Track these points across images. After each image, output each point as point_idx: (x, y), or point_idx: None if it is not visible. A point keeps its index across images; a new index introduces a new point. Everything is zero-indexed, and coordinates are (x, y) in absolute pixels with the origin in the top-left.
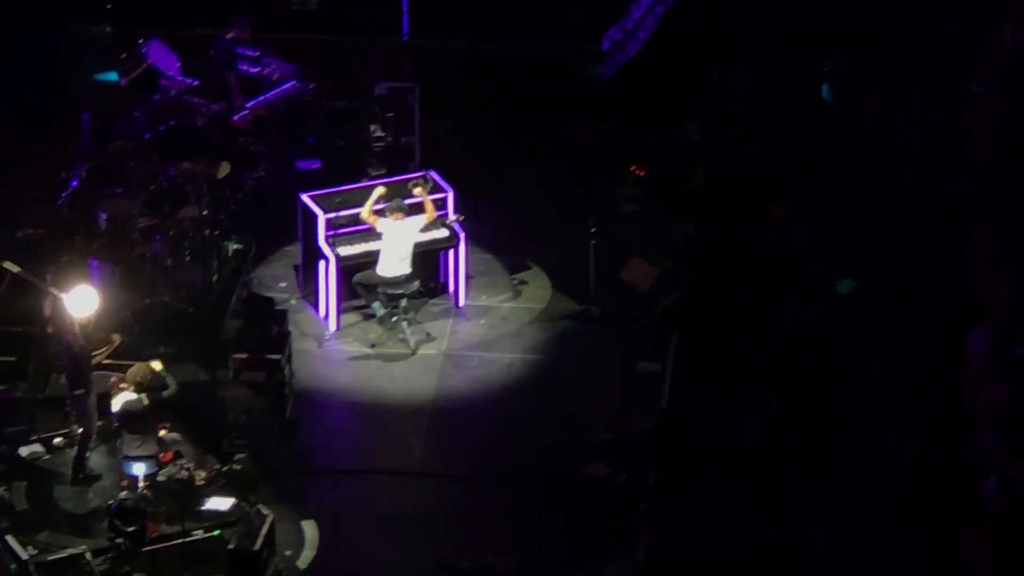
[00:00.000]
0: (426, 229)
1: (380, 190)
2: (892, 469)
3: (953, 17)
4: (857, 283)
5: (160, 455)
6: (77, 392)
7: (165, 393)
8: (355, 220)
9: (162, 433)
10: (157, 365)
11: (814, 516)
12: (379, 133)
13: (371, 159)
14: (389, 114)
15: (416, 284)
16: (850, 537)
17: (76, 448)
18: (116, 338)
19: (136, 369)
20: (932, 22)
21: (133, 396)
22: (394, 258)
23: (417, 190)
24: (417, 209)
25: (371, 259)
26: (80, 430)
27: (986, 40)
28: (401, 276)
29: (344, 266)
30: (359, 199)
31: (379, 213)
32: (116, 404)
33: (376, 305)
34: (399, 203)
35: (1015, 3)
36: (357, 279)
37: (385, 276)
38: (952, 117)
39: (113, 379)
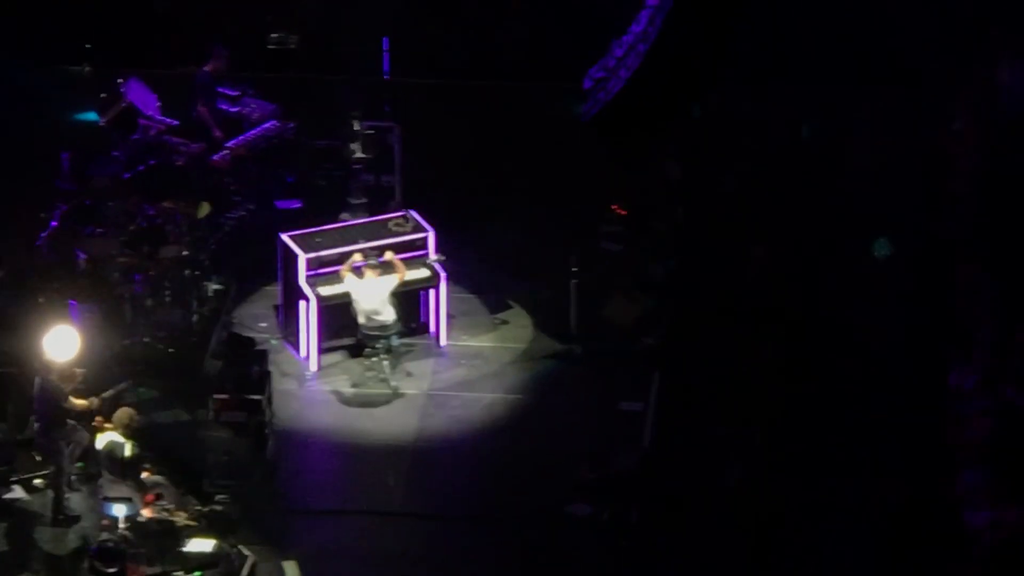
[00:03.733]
0: (396, 290)
1: (357, 256)
2: (875, 504)
3: (936, 53)
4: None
5: (142, 497)
6: (50, 433)
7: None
8: (337, 260)
9: (144, 475)
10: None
11: (798, 553)
12: (359, 155)
13: (351, 195)
14: (367, 155)
15: (398, 325)
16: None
17: (54, 489)
18: (78, 373)
19: (122, 413)
20: (915, 58)
21: (118, 439)
22: (364, 313)
23: (395, 232)
24: (390, 268)
25: (353, 301)
26: (53, 470)
27: (968, 76)
28: (376, 326)
29: (325, 306)
30: (340, 240)
31: (356, 271)
32: (100, 443)
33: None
34: (373, 263)
35: (1013, 40)
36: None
37: (362, 326)
38: (934, 153)
39: (98, 419)
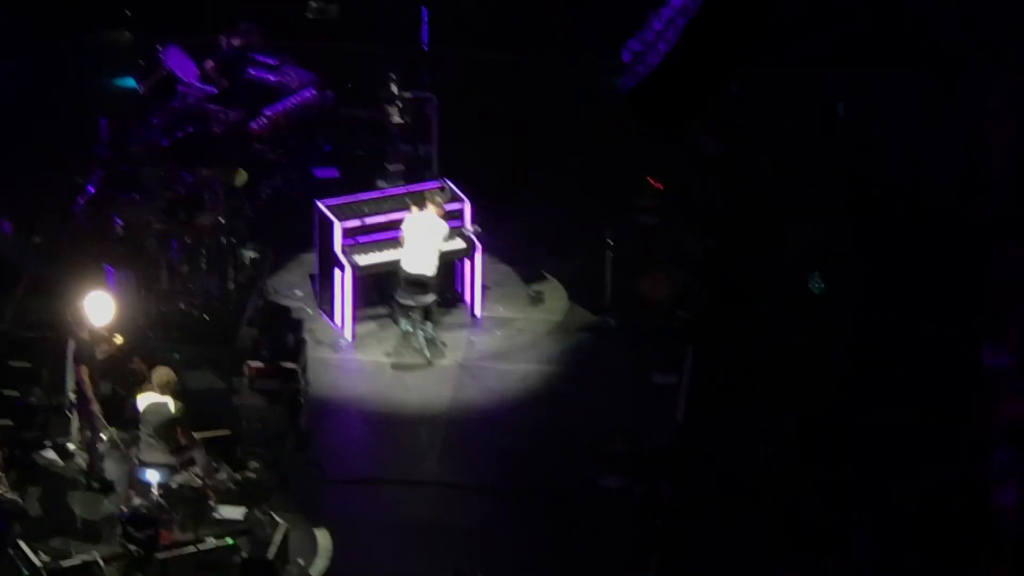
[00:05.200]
0: (445, 240)
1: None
2: (906, 485)
3: (971, 34)
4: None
5: (178, 461)
6: (88, 401)
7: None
8: (375, 228)
9: (180, 440)
10: None
11: (829, 534)
12: (397, 121)
13: (388, 163)
14: (404, 122)
15: (433, 296)
16: (865, 557)
17: (88, 454)
18: (119, 339)
19: (162, 372)
20: (950, 39)
21: (159, 398)
22: (416, 253)
23: (436, 199)
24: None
25: (388, 269)
26: (87, 435)
27: (1003, 56)
28: (423, 276)
29: (361, 276)
30: (377, 208)
31: (419, 204)
32: (141, 403)
33: (403, 321)
34: (435, 196)
35: None
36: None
37: (408, 271)
38: (972, 133)
39: (138, 366)
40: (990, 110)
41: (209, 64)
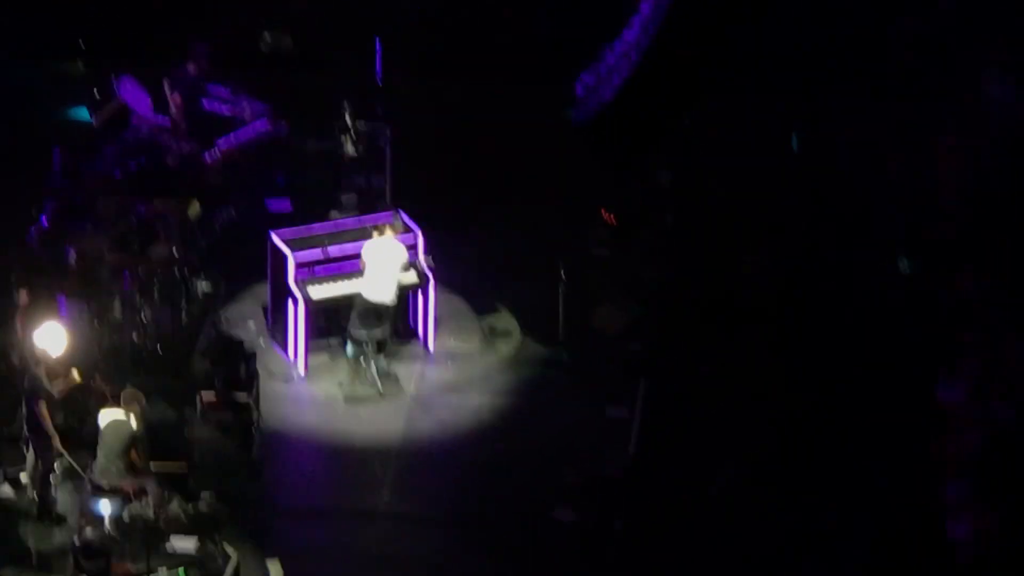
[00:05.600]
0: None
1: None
2: (861, 514)
3: (925, 67)
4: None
5: (131, 485)
6: (38, 428)
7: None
8: (329, 261)
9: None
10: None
11: (782, 561)
12: (350, 152)
13: (341, 194)
14: (357, 154)
15: (387, 329)
16: None
17: (39, 485)
18: (76, 375)
19: (130, 392)
20: (905, 72)
21: (121, 415)
22: (377, 280)
23: (387, 231)
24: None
25: (342, 302)
26: (39, 467)
27: (957, 90)
28: (382, 304)
29: (314, 308)
30: (333, 240)
31: (378, 229)
32: (103, 419)
33: (349, 348)
34: (397, 224)
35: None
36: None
37: (368, 299)
38: (925, 166)
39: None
40: (941, 144)
41: (176, 97)
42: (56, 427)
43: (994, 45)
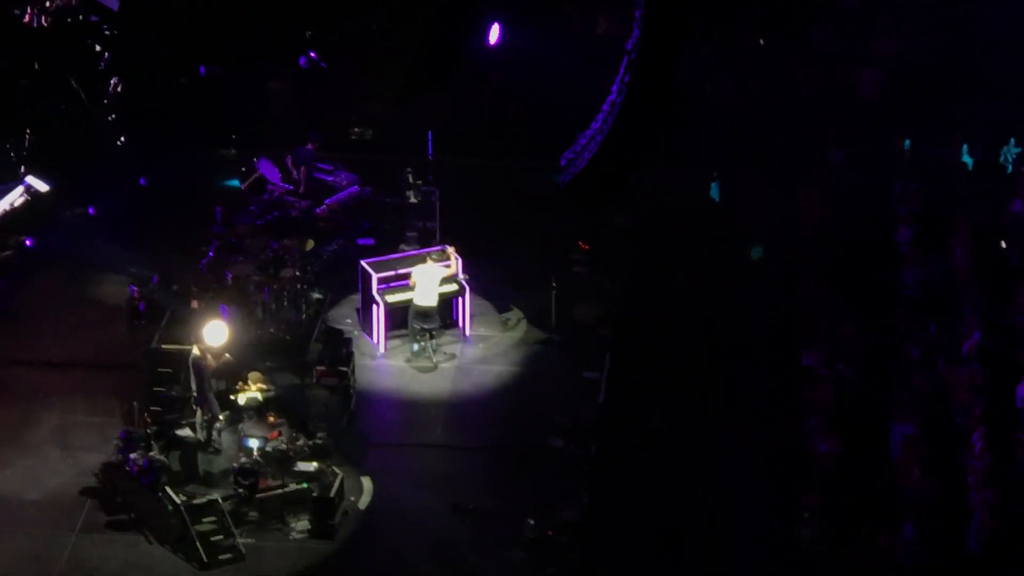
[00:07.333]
0: (447, 279)
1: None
2: (753, 441)
3: (792, 139)
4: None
5: (268, 434)
6: (204, 393)
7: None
8: (399, 278)
9: (270, 419)
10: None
11: (702, 469)
12: (413, 202)
13: (406, 235)
14: (417, 203)
15: (438, 322)
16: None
17: (208, 430)
18: (229, 357)
19: (255, 375)
20: (775, 143)
21: (253, 395)
22: (423, 292)
23: (448, 250)
24: (445, 258)
25: (406, 304)
26: (207, 417)
27: (810, 157)
28: (429, 307)
29: (389, 309)
30: (399, 264)
31: (422, 258)
32: (241, 399)
33: (415, 345)
34: (436, 255)
35: (842, 129)
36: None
37: (418, 304)
38: (793, 214)
39: (240, 384)
40: (803, 196)
41: (302, 170)
42: (216, 392)
43: (836, 128)
